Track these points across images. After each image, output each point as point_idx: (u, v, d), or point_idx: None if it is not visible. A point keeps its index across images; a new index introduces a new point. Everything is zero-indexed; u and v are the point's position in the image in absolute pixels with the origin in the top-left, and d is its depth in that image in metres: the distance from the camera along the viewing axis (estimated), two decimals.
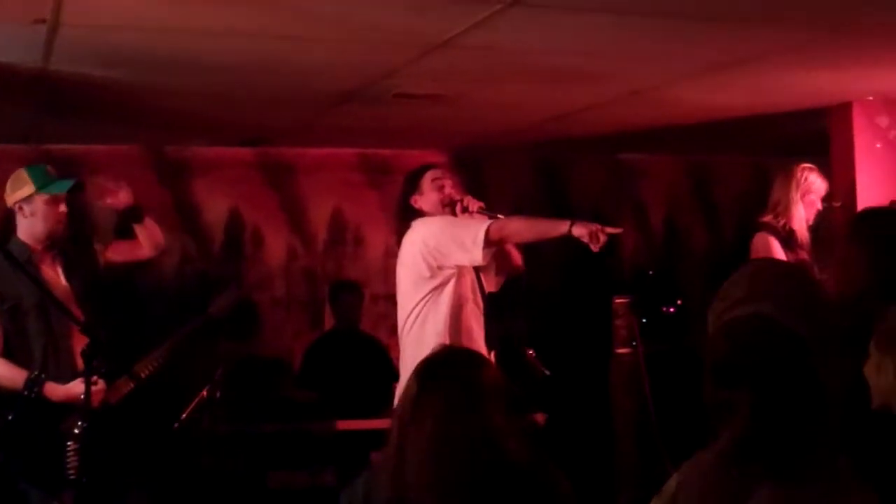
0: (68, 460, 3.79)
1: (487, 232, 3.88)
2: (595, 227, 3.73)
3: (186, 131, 6.14)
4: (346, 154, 6.86)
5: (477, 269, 4.13)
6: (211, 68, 4.42)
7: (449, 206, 4.14)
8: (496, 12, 3.60)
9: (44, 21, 3.59)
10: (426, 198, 4.14)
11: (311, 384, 5.91)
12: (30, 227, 3.99)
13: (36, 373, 3.84)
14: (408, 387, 2.25)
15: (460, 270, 4.03)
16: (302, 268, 6.78)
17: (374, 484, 2.25)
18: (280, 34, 3.94)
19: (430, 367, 2.29)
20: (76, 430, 3.76)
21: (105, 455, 3.87)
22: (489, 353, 4.13)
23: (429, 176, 4.18)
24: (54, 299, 3.81)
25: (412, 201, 4.17)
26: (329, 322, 6.48)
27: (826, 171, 5.60)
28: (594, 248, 3.72)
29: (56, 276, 4.05)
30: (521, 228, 3.99)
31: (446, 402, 2.17)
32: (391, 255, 6.89)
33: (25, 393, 3.81)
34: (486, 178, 6.70)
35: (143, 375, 4.08)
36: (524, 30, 3.89)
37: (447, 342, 3.96)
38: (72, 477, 3.73)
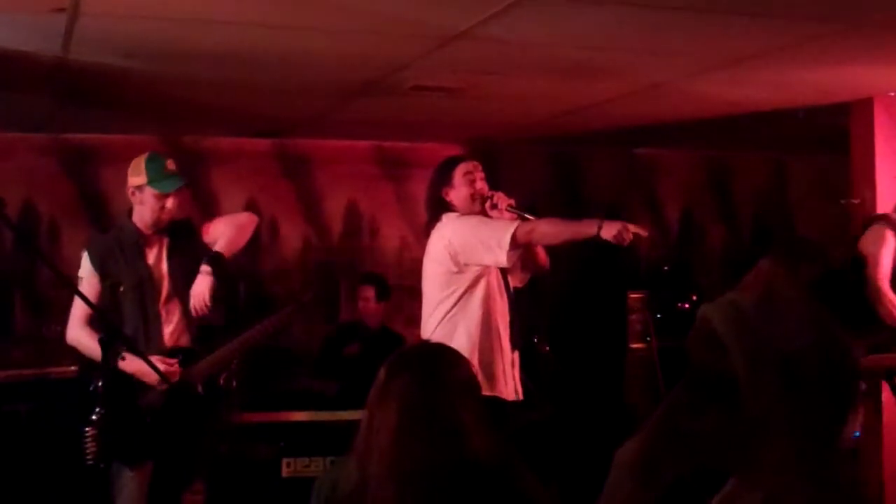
0: (86, 446, 3.84)
1: (514, 235, 3.88)
2: (621, 225, 3.73)
3: (204, 122, 6.16)
4: (362, 146, 6.87)
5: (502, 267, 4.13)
6: (228, 59, 4.43)
7: (479, 202, 4.14)
8: (512, 4, 3.59)
9: (63, 10, 3.61)
10: (457, 191, 4.14)
11: (328, 374, 5.92)
12: (139, 213, 4.15)
13: (109, 337, 3.93)
14: (378, 375, 2.27)
15: (489, 269, 4.04)
16: (317, 259, 6.79)
17: (345, 470, 2.26)
18: (298, 25, 3.94)
19: (401, 357, 2.30)
20: (94, 417, 3.81)
21: (180, 434, 4.06)
22: (512, 354, 4.13)
23: (460, 169, 4.17)
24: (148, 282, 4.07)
25: (443, 193, 4.17)
26: (346, 313, 6.49)
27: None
28: (623, 244, 3.74)
29: (159, 261, 4.19)
30: (549, 232, 3.98)
31: (410, 392, 2.17)
32: (406, 247, 6.94)
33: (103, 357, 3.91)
34: (502, 171, 6.69)
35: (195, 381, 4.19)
36: (540, 22, 3.89)
37: (477, 342, 3.99)
38: (90, 462, 3.78)
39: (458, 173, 4.14)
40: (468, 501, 2.12)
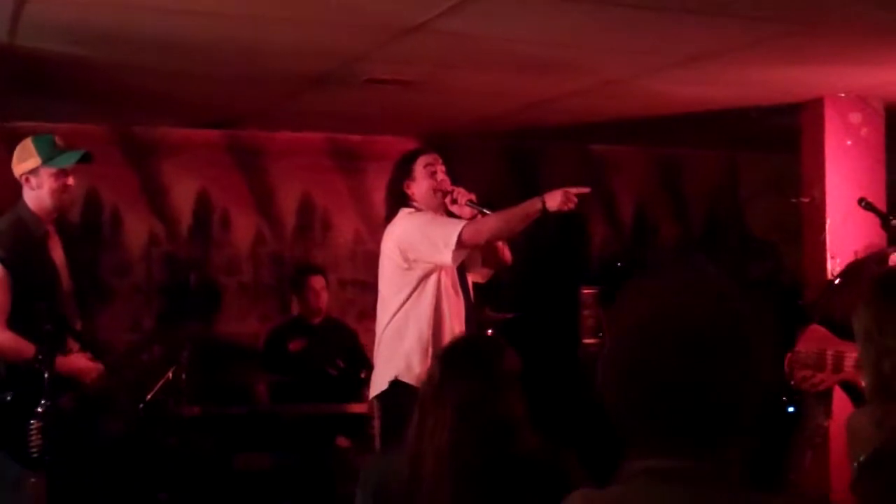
0: (31, 439, 3.77)
1: (461, 235, 3.86)
2: (563, 193, 3.75)
3: (155, 112, 6.07)
4: (316, 139, 6.81)
5: (462, 263, 4.11)
6: (180, 47, 4.37)
7: (440, 195, 4.10)
8: None
9: None
10: (418, 184, 4.09)
11: (274, 369, 5.88)
12: (37, 199, 3.89)
13: (45, 347, 3.79)
14: (431, 373, 2.24)
15: (441, 266, 4.02)
16: (270, 252, 6.73)
17: (392, 467, 2.24)
18: (250, 14, 3.90)
19: (453, 354, 2.28)
20: (39, 409, 3.73)
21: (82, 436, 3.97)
22: None
23: (421, 161, 4.12)
24: (57, 281, 3.92)
25: (404, 187, 4.11)
26: (296, 308, 6.45)
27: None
28: (570, 209, 3.75)
29: (58, 255, 4.00)
30: (495, 227, 3.95)
31: (467, 391, 2.16)
32: (359, 240, 6.90)
33: (36, 365, 3.70)
34: (456, 165, 6.66)
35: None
36: (497, 16, 3.88)
37: (428, 340, 3.95)
38: (34, 456, 3.72)
39: (419, 165, 4.10)
40: (524, 495, 2.12)
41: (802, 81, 5.15)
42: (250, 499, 5.08)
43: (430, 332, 3.97)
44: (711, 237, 7.63)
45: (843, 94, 5.49)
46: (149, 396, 5.08)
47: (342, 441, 5.34)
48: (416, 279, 4.00)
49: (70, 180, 3.90)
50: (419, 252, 3.96)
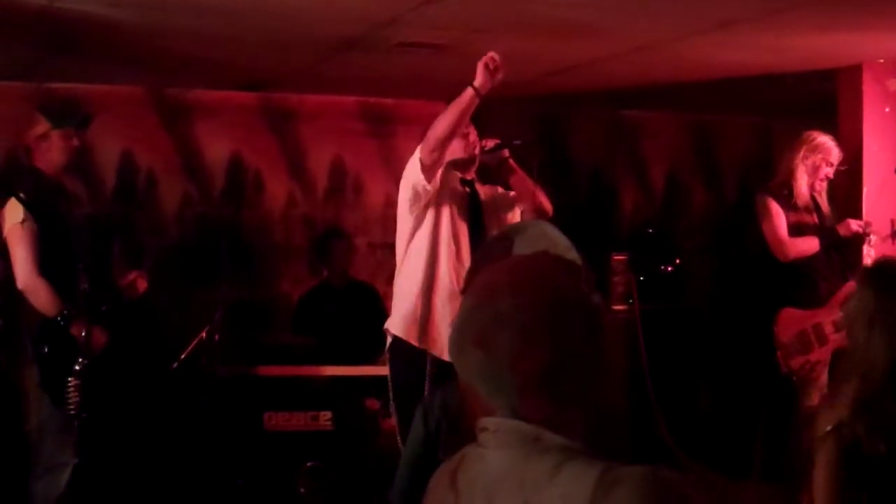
0: (69, 397, 3.90)
1: (420, 152, 3.90)
2: (482, 64, 3.79)
3: (189, 73, 6.10)
4: (348, 102, 6.82)
5: (481, 220, 4.13)
6: (215, 9, 4.39)
7: (469, 157, 4.16)
8: None
9: None
10: (451, 147, 4.16)
11: (305, 331, 5.94)
12: (48, 160, 4.32)
13: (68, 309, 4.10)
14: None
15: (438, 216, 4.03)
16: (301, 214, 6.77)
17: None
18: None
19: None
20: (77, 367, 3.88)
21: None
22: None
23: None
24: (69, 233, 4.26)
25: None
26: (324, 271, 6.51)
27: (833, 134, 5.58)
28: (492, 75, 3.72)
29: (68, 212, 4.39)
30: (438, 127, 3.92)
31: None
32: (390, 204, 6.87)
33: (59, 320, 4.10)
34: (487, 131, 6.65)
35: None
36: None
37: (418, 288, 4.00)
38: (72, 412, 3.85)
39: None
40: None
41: (840, 47, 5.08)
42: (280, 459, 5.15)
43: (422, 279, 4.01)
44: (744, 204, 7.58)
45: (881, 60, 5.41)
46: (182, 356, 5.16)
47: (371, 403, 5.40)
48: (412, 227, 4.05)
49: (75, 140, 4.36)
50: (405, 182, 4.02)
